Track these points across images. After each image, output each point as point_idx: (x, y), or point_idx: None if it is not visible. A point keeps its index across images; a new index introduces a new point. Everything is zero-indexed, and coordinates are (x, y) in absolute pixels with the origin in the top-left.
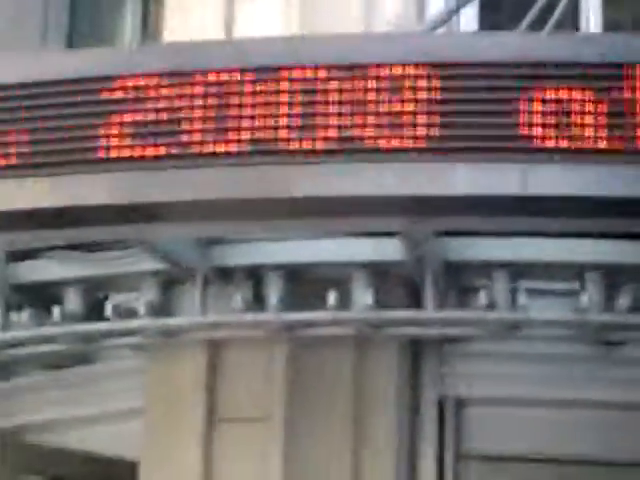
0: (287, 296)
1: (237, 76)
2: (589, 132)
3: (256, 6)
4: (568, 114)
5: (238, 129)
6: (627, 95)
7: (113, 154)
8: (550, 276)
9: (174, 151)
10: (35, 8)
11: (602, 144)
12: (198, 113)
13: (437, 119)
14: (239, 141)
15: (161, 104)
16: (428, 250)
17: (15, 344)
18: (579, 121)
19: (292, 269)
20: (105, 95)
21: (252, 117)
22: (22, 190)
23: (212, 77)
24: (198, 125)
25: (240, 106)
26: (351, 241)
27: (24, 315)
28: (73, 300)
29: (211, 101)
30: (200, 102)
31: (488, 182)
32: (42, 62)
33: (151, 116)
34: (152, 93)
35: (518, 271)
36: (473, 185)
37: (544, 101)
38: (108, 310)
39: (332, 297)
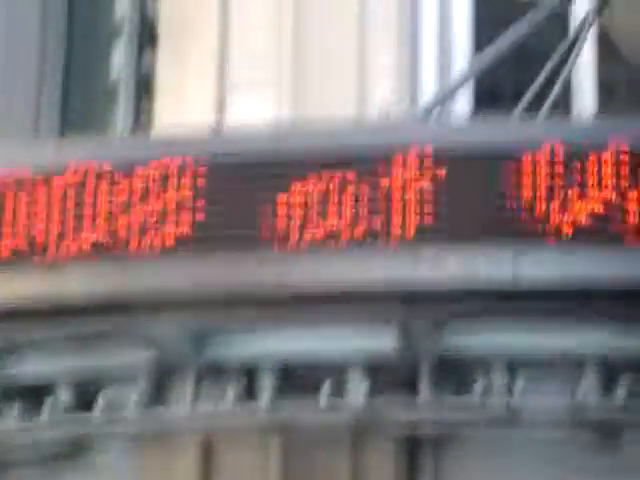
0: (280, 389)
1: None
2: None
3: (248, 93)
4: None
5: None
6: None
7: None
8: (547, 366)
9: (163, 243)
10: (27, 99)
11: None
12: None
13: None
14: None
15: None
16: (423, 341)
17: (7, 438)
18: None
19: (285, 361)
20: None
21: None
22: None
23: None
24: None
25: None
26: (345, 332)
27: (16, 408)
28: (65, 392)
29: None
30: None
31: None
32: None
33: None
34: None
35: (515, 361)
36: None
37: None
38: (100, 402)
39: (326, 390)
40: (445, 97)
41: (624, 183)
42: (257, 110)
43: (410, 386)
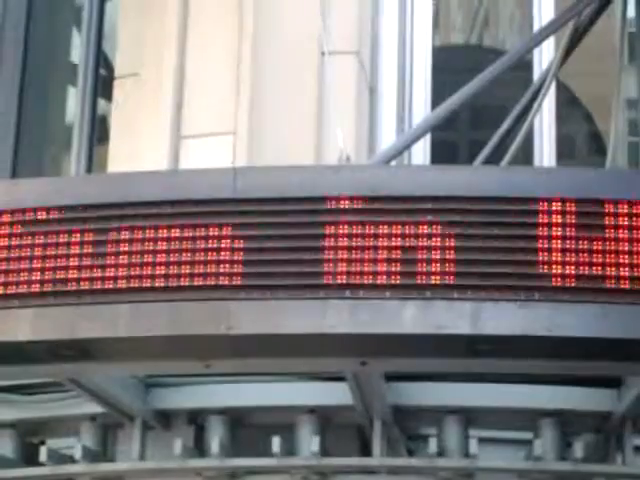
0: (229, 442)
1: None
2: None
3: (203, 142)
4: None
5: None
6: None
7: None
8: (503, 423)
9: (106, 285)
10: None
11: None
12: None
13: None
14: (177, 276)
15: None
16: (377, 395)
17: None
18: None
19: (235, 413)
20: None
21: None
22: None
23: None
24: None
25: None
26: (296, 384)
27: None
28: (7, 444)
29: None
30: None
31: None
32: None
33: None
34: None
35: (470, 418)
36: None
37: None
38: (43, 455)
39: (276, 443)
40: (402, 148)
41: None
42: (212, 161)
43: (362, 443)
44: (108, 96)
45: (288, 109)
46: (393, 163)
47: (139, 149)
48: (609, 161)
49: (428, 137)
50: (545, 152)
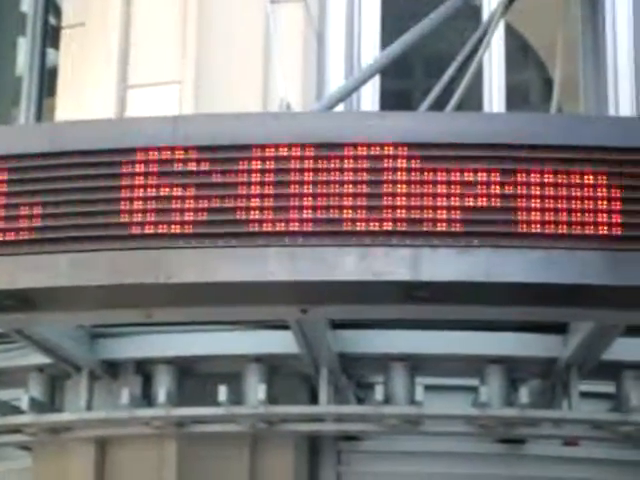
0: (176, 391)
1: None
2: None
3: (149, 91)
4: None
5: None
6: None
7: None
8: (449, 370)
9: (46, 235)
10: None
11: None
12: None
13: None
14: (116, 225)
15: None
16: (322, 343)
17: None
18: None
19: (181, 363)
20: None
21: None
22: None
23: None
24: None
25: (120, 188)
26: (243, 333)
27: None
28: None
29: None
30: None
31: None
32: None
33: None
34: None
35: (416, 365)
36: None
37: None
38: None
39: (223, 392)
40: (348, 92)
41: None
42: (159, 110)
43: (310, 391)
44: (58, 46)
45: (235, 58)
46: (341, 109)
47: (86, 99)
48: (553, 108)
49: (377, 85)
50: (494, 99)
